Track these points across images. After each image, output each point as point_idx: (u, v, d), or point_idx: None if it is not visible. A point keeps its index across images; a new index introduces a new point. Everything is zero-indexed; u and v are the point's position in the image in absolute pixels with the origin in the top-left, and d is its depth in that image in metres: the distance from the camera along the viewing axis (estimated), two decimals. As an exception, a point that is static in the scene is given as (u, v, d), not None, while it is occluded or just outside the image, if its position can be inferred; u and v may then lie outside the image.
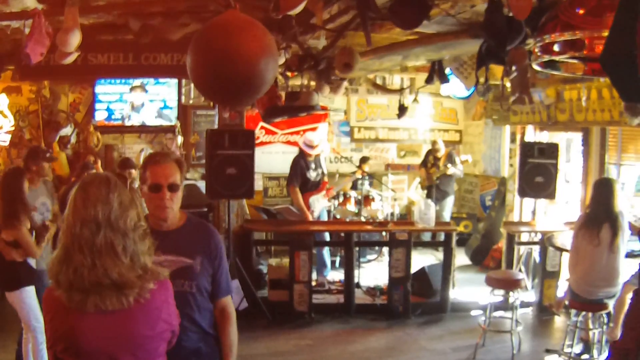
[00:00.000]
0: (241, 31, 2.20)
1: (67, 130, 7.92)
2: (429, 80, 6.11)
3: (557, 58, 3.07)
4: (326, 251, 7.24)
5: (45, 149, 5.07)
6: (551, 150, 6.46)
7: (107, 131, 8.18)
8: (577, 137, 7.52)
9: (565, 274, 5.81)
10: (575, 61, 3.30)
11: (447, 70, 6.05)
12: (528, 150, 6.50)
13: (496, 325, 5.61)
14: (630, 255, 4.78)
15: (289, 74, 5.80)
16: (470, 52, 5.40)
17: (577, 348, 4.96)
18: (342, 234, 6.67)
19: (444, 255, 6.47)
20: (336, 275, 7.34)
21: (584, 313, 4.73)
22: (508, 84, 5.65)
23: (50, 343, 1.78)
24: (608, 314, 4.62)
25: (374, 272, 7.72)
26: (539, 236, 6.49)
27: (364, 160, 8.76)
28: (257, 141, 7.66)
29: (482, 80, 4.45)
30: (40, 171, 4.68)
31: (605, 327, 4.66)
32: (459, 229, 7.95)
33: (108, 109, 8.03)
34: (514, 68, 4.17)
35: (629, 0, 1.46)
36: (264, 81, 2.26)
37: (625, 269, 4.49)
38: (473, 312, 6.34)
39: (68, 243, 1.74)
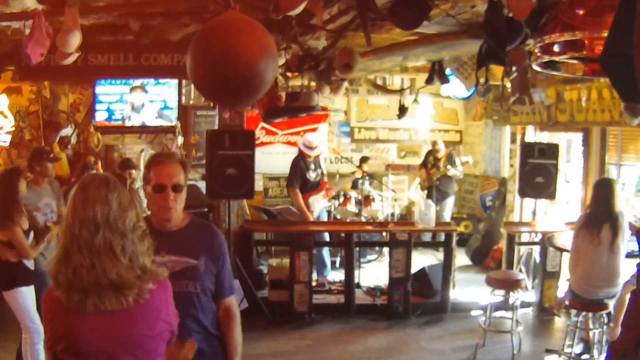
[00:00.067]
0: (241, 32, 2.20)
1: (67, 131, 7.92)
2: (429, 81, 6.12)
3: (557, 58, 3.07)
4: (326, 251, 7.24)
5: (48, 149, 5.06)
6: (551, 150, 6.46)
7: (107, 132, 8.18)
8: (577, 137, 7.51)
9: (565, 274, 5.80)
10: (575, 62, 3.29)
11: (448, 71, 6.05)
12: (528, 150, 6.50)
13: (496, 325, 5.60)
14: (630, 255, 4.78)
15: (289, 74, 5.81)
16: (471, 53, 5.40)
17: (578, 348, 4.96)
18: (343, 234, 6.67)
19: (444, 255, 6.48)
20: (336, 276, 7.34)
21: (584, 313, 4.73)
22: (508, 85, 5.65)
23: (50, 343, 1.78)
24: (608, 314, 4.62)
25: (374, 272, 7.72)
26: (539, 236, 6.49)
27: (363, 160, 8.76)
28: (258, 141, 7.66)
29: (482, 80, 4.45)
30: (44, 172, 4.68)
31: (605, 327, 4.66)
32: (459, 229, 7.94)
33: (108, 110, 8.03)
34: (514, 68, 4.17)
35: (628, 1, 1.46)
36: (264, 82, 2.26)
37: (626, 269, 4.49)
38: (473, 313, 6.34)
39: (67, 243, 1.74)
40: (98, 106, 8.02)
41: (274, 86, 5.50)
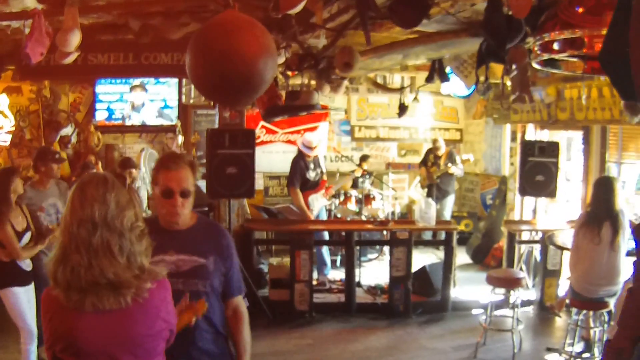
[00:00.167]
0: (239, 31, 2.20)
1: (67, 130, 7.92)
2: (429, 79, 6.11)
3: (556, 56, 3.07)
4: (325, 249, 7.25)
5: (54, 150, 5.05)
6: (552, 148, 6.45)
7: (107, 131, 8.18)
8: (577, 135, 7.51)
9: (566, 273, 5.80)
10: (575, 59, 3.29)
11: (448, 69, 6.05)
12: (529, 148, 6.50)
13: (497, 324, 5.60)
14: (630, 253, 4.76)
15: (289, 73, 5.81)
16: (471, 51, 5.40)
17: (578, 347, 4.96)
18: (343, 233, 6.67)
19: (445, 254, 6.47)
20: (337, 275, 7.34)
21: (584, 312, 4.73)
22: (508, 83, 5.66)
23: (50, 343, 1.78)
24: (609, 313, 4.61)
25: (374, 271, 7.72)
26: (540, 235, 6.49)
27: (363, 158, 8.76)
28: (258, 140, 7.67)
29: (482, 79, 4.46)
30: (49, 172, 4.66)
31: (606, 325, 4.66)
32: (459, 227, 7.95)
33: (108, 109, 8.03)
34: (514, 67, 4.17)
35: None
36: (263, 80, 2.26)
37: (626, 267, 4.48)
38: (474, 311, 6.33)
39: (65, 242, 1.74)
40: (98, 105, 8.02)
41: (274, 85, 5.51)
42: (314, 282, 6.52)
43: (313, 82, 6.54)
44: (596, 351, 4.75)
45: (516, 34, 3.36)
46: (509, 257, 6.64)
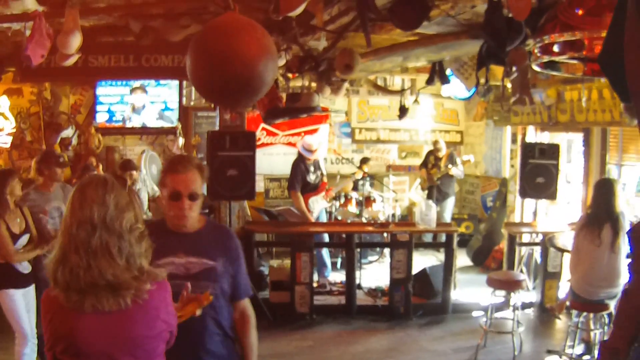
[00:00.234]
0: (240, 33, 2.20)
1: (68, 132, 7.93)
2: (429, 81, 6.11)
3: (556, 59, 3.07)
4: (325, 252, 7.24)
5: (58, 153, 5.04)
6: (552, 150, 6.45)
7: (108, 133, 8.19)
8: (578, 137, 7.51)
9: (566, 275, 5.80)
10: (575, 62, 3.29)
11: (448, 71, 6.05)
12: (529, 150, 6.50)
13: (497, 326, 5.60)
14: (630, 256, 4.77)
15: (289, 75, 5.81)
16: (471, 53, 5.40)
17: (579, 349, 4.95)
18: (344, 235, 6.67)
19: (445, 256, 6.47)
20: (337, 277, 7.34)
21: (585, 314, 4.72)
22: (509, 85, 5.66)
23: (50, 344, 1.78)
24: (609, 315, 4.61)
25: (375, 273, 7.71)
26: (540, 237, 6.49)
27: (364, 161, 8.76)
28: (258, 142, 7.68)
29: (482, 81, 4.45)
30: (52, 176, 4.64)
31: (606, 327, 4.65)
32: (460, 230, 7.94)
33: (109, 111, 8.04)
34: (514, 69, 4.17)
35: (625, 0, 1.46)
36: (264, 83, 2.26)
37: (626, 269, 4.48)
38: (474, 313, 6.33)
39: (65, 243, 1.74)
40: (99, 107, 8.04)
41: (275, 87, 5.51)
42: (315, 284, 6.51)
43: (314, 84, 6.55)
44: (596, 353, 4.74)
45: (516, 35, 3.36)
46: (509, 259, 6.64)
